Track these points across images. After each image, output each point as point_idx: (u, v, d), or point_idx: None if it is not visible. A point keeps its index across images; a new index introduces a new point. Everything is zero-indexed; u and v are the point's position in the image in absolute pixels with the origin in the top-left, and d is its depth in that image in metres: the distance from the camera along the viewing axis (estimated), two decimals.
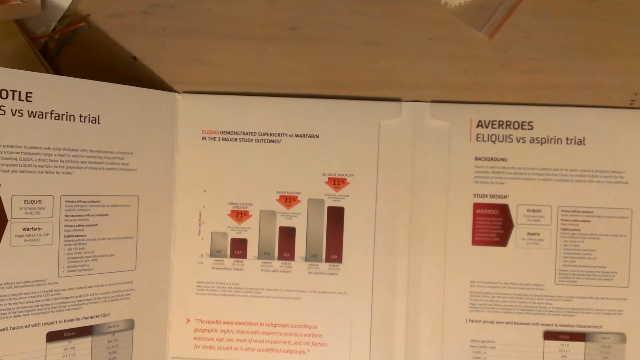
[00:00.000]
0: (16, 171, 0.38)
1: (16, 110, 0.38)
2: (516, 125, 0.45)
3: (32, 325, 0.39)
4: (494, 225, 0.45)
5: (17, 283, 0.38)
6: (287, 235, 0.46)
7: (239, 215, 0.46)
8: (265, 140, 0.46)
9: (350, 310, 0.46)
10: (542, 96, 0.46)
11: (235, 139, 0.46)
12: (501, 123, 0.46)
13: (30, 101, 0.38)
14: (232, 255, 0.46)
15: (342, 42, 0.47)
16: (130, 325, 0.44)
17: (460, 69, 0.46)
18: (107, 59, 0.47)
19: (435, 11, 0.46)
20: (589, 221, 0.45)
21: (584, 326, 0.45)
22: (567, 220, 0.45)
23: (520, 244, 0.45)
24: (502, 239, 0.45)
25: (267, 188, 0.46)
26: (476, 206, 0.45)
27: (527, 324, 0.45)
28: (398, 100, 0.46)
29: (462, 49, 0.46)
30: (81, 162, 0.41)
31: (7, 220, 0.38)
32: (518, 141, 0.45)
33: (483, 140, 0.46)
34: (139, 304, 0.44)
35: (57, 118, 0.40)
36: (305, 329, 0.46)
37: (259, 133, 0.46)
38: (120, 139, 0.43)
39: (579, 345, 0.45)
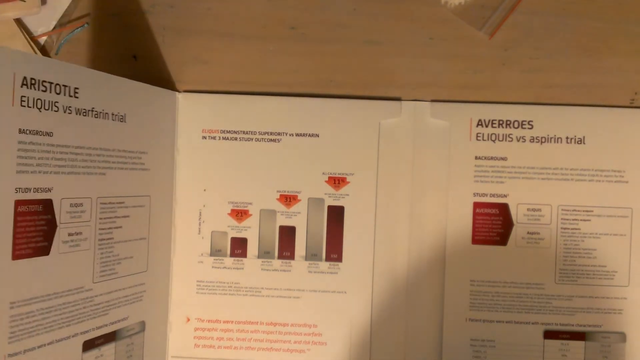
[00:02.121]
0: (65, 172, 0.35)
1: (66, 107, 0.35)
2: (516, 124, 0.45)
3: (72, 336, 0.37)
4: (494, 224, 0.45)
5: (61, 292, 0.36)
6: (287, 234, 0.46)
7: (239, 214, 0.46)
8: (266, 140, 0.46)
9: (350, 309, 0.46)
10: (542, 95, 0.46)
11: (236, 138, 0.46)
12: (501, 122, 0.46)
13: (77, 97, 0.36)
14: (232, 255, 0.46)
15: (342, 42, 0.47)
16: (142, 327, 0.43)
17: (460, 68, 0.46)
18: (107, 58, 0.47)
19: (435, 10, 0.46)
20: (589, 220, 0.45)
21: (584, 325, 0.45)
22: (567, 220, 0.45)
23: (520, 243, 0.45)
24: (502, 238, 0.45)
25: (267, 187, 0.46)
26: (476, 205, 0.45)
27: (527, 323, 0.45)
28: (398, 99, 0.46)
29: (462, 48, 0.46)
30: (112, 162, 0.39)
31: (57, 226, 0.35)
32: (518, 140, 0.45)
33: (483, 140, 0.46)
34: (149, 305, 0.43)
35: (96, 116, 0.37)
36: (305, 328, 0.46)
37: (259, 132, 0.46)
38: (139, 138, 0.42)
39: (579, 344, 0.45)
